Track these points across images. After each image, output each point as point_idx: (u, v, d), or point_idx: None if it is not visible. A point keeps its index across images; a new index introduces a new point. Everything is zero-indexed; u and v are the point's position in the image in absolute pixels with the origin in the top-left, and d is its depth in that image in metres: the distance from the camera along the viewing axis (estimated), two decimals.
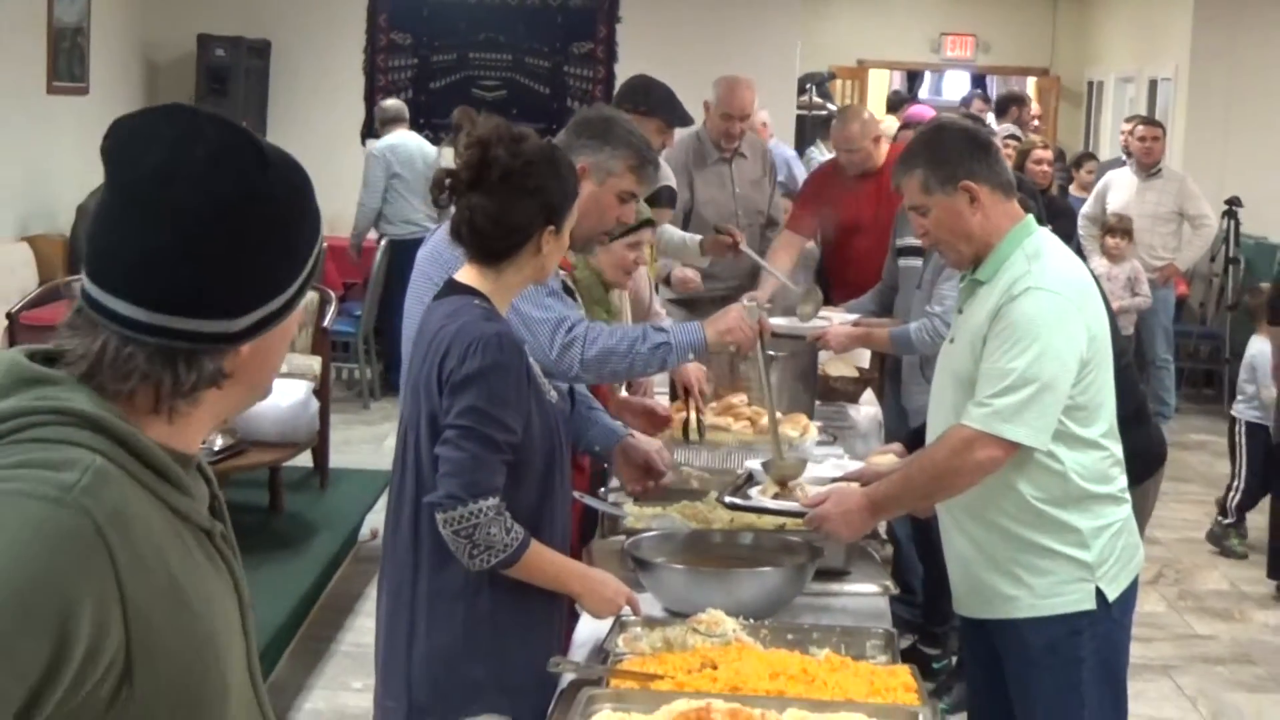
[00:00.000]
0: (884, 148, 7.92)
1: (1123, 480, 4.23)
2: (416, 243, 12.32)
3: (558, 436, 3.90)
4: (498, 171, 3.70)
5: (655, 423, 5.26)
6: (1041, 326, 3.95)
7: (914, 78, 24.11)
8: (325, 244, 6.47)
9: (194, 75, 14.61)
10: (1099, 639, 4.11)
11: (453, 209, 3.83)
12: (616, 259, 5.03)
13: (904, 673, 3.63)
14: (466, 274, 3.85)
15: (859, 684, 3.54)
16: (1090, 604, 4.07)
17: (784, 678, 3.55)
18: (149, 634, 1.89)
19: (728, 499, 4.54)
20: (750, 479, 4.72)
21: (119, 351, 1.93)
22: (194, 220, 1.94)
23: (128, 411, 1.96)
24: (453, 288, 3.85)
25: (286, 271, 2.04)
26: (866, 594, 4.47)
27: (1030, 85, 20.96)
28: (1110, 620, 4.13)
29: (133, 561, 1.87)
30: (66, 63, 13.23)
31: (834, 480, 4.67)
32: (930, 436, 4.35)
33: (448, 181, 3.79)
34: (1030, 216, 4.23)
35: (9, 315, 9.59)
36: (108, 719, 1.88)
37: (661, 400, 5.75)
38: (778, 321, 6.73)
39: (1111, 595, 4.09)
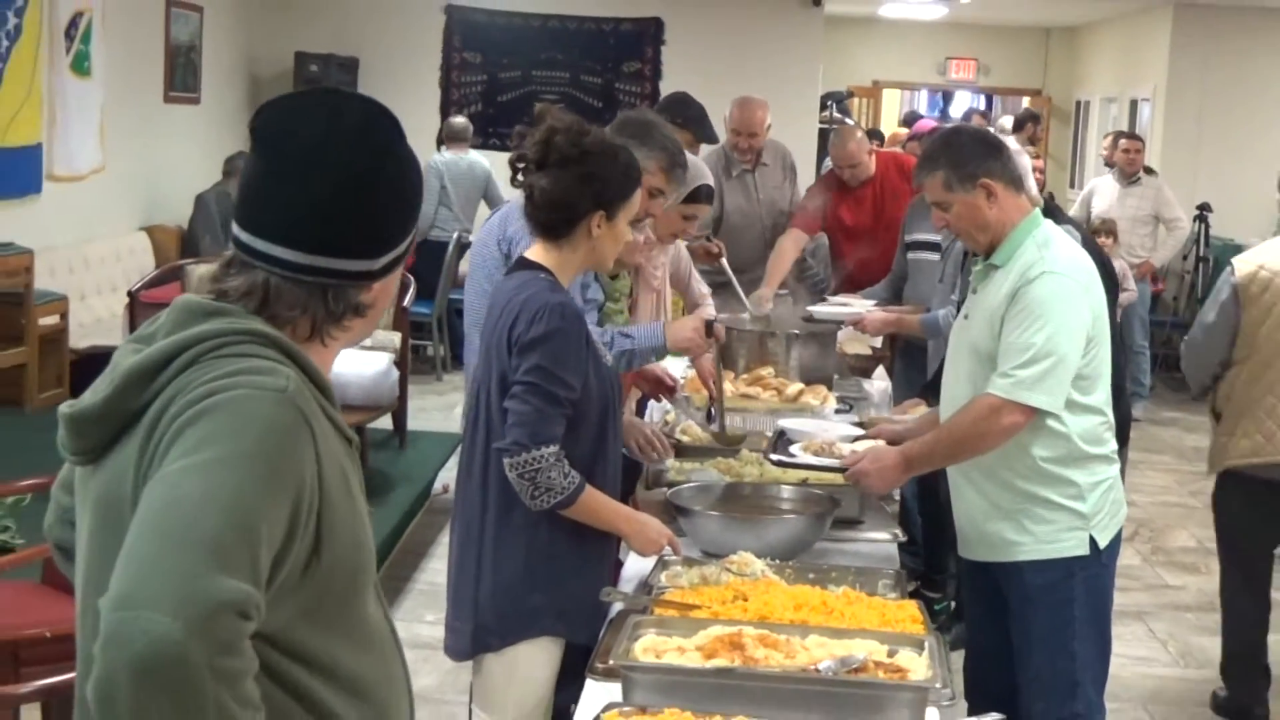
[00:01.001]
0: (873, 160, 8.00)
1: (1114, 443, 4.27)
2: (443, 245, 12.47)
3: (611, 395, 3.92)
4: (556, 156, 3.74)
5: (663, 389, 5.26)
6: (1055, 306, 3.98)
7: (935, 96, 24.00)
8: None
9: (291, 87, 14.49)
10: (1089, 581, 4.14)
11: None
12: (671, 221, 5.02)
13: (911, 607, 3.64)
14: (534, 251, 3.88)
15: (872, 615, 3.56)
16: (1084, 549, 4.10)
17: (806, 609, 3.56)
18: (331, 512, 2.01)
19: (774, 457, 4.53)
20: (783, 436, 4.72)
21: (278, 287, 2.06)
22: (346, 178, 2.07)
23: (294, 333, 2.10)
24: (521, 264, 3.88)
25: (409, 220, 2.19)
26: (878, 540, 4.49)
27: (1025, 104, 20.87)
28: (1099, 564, 4.16)
29: (322, 451, 2.00)
30: (181, 76, 13.29)
31: (858, 438, 4.71)
32: (944, 402, 4.37)
33: (520, 164, 3.82)
34: (1037, 210, 4.24)
35: (130, 293, 9.68)
36: (300, 588, 1.98)
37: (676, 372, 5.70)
38: (822, 309, 6.79)
39: (1102, 542, 4.13)
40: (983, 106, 20.93)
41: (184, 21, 13.30)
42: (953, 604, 6.65)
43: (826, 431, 4.84)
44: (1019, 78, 20.58)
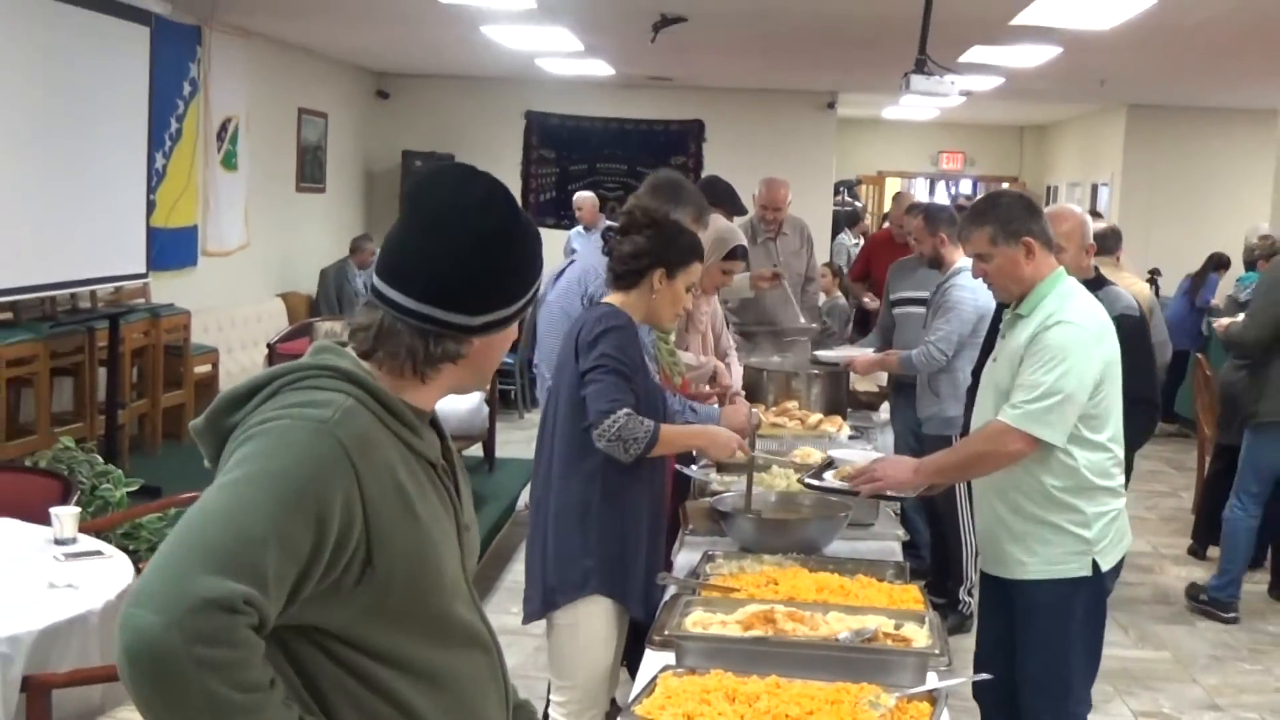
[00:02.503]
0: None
1: (1121, 477, 4.09)
2: None
3: (659, 407, 3.98)
4: (633, 225, 3.93)
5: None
6: (1068, 351, 3.84)
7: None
8: None
9: (399, 181, 14.71)
10: (1089, 600, 4.01)
11: None
12: (713, 275, 5.05)
13: (914, 590, 3.63)
14: (607, 299, 3.99)
15: (881, 596, 3.56)
16: (1087, 571, 3.95)
17: (826, 591, 3.57)
18: (382, 526, 1.94)
19: (808, 480, 4.45)
20: (830, 464, 4.65)
21: (391, 327, 2.04)
22: (462, 241, 2.03)
23: (391, 372, 2.06)
24: (595, 305, 4.02)
25: (517, 290, 2.11)
26: (885, 538, 4.48)
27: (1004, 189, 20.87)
28: (1100, 586, 4.03)
29: (370, 473, 1.93)
30: (310, 170, 13.43)
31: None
32: (976, 425, 4.23)
33: (609, 234, 4.02)
34: (1061, 268, 4.10)
35: (269, 346, 9.85)
36: (357, 592, 1.94)
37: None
38: (825, 354, 6.83)
39: (1104, 567, 3.98)
40: (969, 191, 20.88)
41: (312, 126, 13.46)
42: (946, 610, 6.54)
43: (858, 458, 4.83)
44: (999, 167, 20.56)
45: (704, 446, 4.09)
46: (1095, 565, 3.96)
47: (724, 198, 6.94)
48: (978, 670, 4.18)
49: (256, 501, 1.84)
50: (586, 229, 12.16)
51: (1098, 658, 4.22)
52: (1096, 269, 4.92)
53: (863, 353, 6.89)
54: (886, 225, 8.67)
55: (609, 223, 4.10)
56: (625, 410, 3.71)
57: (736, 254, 5.24)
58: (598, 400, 3.71)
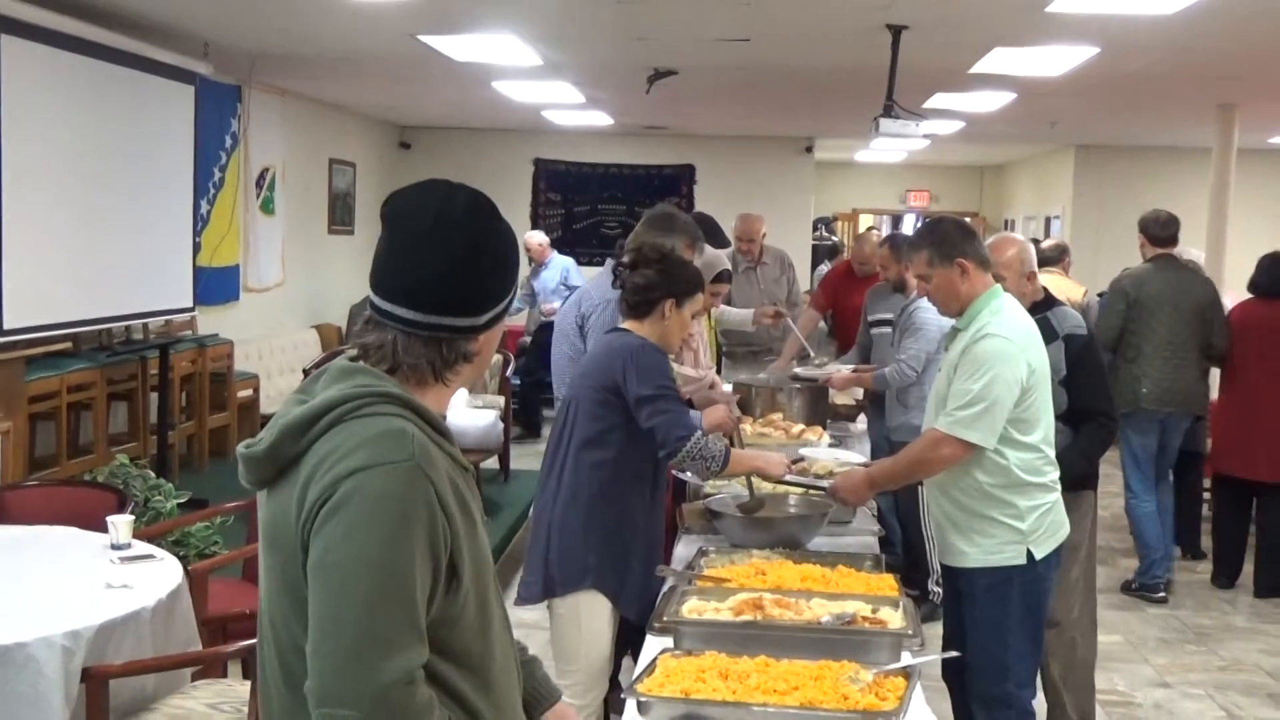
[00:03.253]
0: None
1: (1054, 474, 4.05)
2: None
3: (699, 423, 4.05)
4: (642, 261, 3.96)
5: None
6: (994, 361, 3.82)
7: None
8: None
9: None
10: (1025, 586, 3.95)
11: None
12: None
13: (888, 579, 3.62)
14: (626, 323, 4.01)
15: (859, 584, 3.56)
16: (1022, 560, 3.92)
17: (810, 580, 3.57)
18: (458, 539, 1.92)
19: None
20: (799, 460, 4.65)
21: (406, 343, 1.99)
22: (455, 252, 1.99)
23: (418, 384, 2.02)
24: (616, 331, 4.02)
25: (508, 283, 2.09)
26: (862, 534, 4.47)
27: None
28: (1035, 573, 3.96)
29: (442, 490, 1.90)
30: (340, 214, 13.44)
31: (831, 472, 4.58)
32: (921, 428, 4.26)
33: (618, 269, 4.03)
34: (998, 285, 4.08)
35: (305, 371, 9.76)
36: (445, 602, 1.91)
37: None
38: (803, 371, 6.83)
39: (1039, 555, 3.94)
40: None
41: (342, 174, 13.47)
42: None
43: (825, 458, 4.85)
44: (962, 203, 20.55)
45: (762, 469, 4.14)
46: (1030, 555, 3.93)
47: (708, 231, 6.98)
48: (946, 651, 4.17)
49: (397, 561, 1.81)
50: (537, 265, 12.21)
51: (1038, 644, 4.14)
52: (1046, 290, 4.88)
53: (838, 369, 6.89)
54: (846, 258, 8.77)
55: (617, 260, 4.09)
56: (699, 432, 3.80)
57: (722, 277, 5.38)
58: (674, 428, 3.77)
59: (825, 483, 4.34)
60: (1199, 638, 6.77)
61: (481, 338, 2.05)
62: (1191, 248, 9.63)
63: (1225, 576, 7.69)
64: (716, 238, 7.20)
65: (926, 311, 6.12)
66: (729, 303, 7.82)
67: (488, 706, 2.00)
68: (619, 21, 7.70)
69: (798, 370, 6.91)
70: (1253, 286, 7.71)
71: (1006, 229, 19.11)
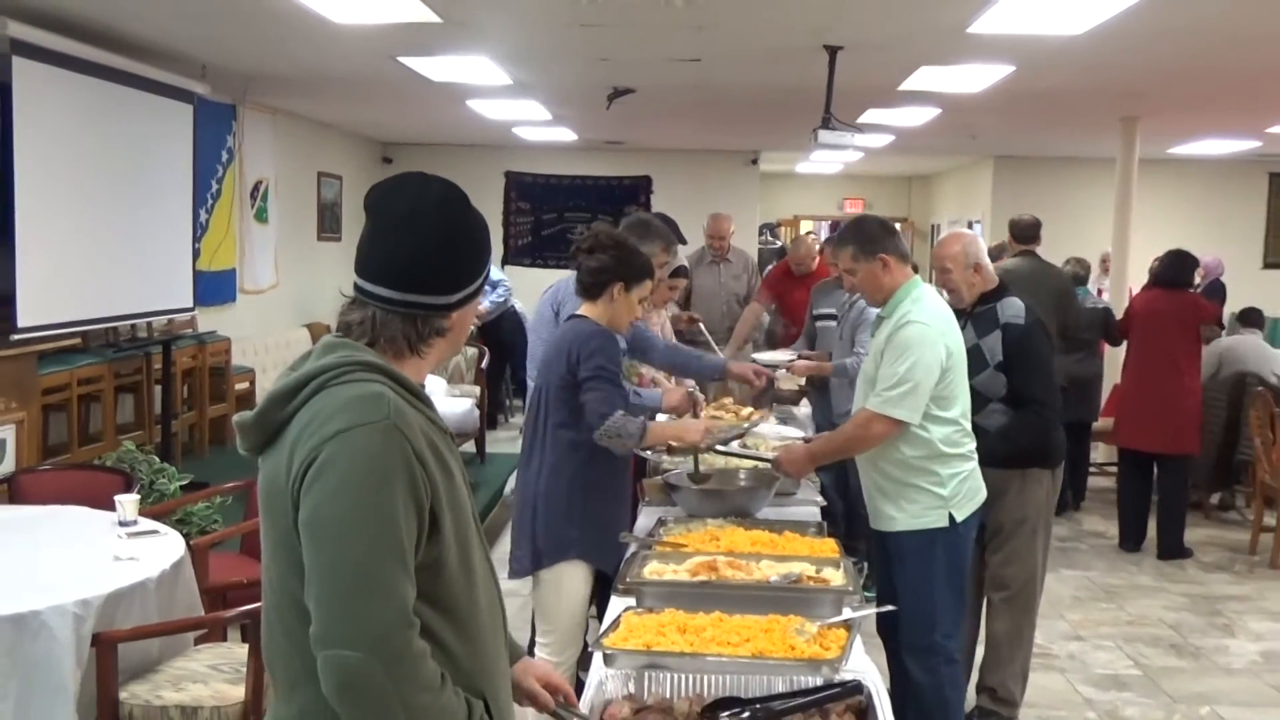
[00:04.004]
0: (816, 261, 8.17)
1: (971, 445, 4.05)
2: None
3: (626, 398, 3.97)
4: (598, 246, 3.89)
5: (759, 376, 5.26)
6: (915, 346, 3.83)
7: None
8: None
9: None
10: (948, 546, 3.97)
11: None
12: (661, 291, 5.04)
13: (830, 542, 3.62)
14: (581, 309, 3.95)
15: (804, 547, 3.55)
16: (944, 523, 3.93)
17: (759, 545, 3.57)
18: (437, 489, 1.90)
19: (719, 448, 4.43)
20: (740, 435, 4.62)
21: (384, 319, 1.98)
22: (430, 236, 1.98)
23: (395, 355, 2.00)
24: (573, 318, 3.96)
25: (478, 268, 2.07)
26: (806, 504, 4.47)
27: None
28: (957, 534, 3.98)
29: (419, 445, 1.89)
30: (328, 223, 13.30)
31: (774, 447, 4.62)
32: (852, 416, 4.18)
33: (577, 253, 3.95)
34: (917, 277, 4.09)
35: None
36: (427, 549, 1.90)
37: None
38: (763, 356, 6.81)
39: (959, 518, 3.95)
40: None
41: (329, 186, 13.35)
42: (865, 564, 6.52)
43: (770, 434, 4.85)
44: (892, 209, 20.55)
45: (679, 435, 4.06)
46: (951, 518, 3.95)
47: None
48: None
49: (380, 509, 1.81)
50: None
51: (961, 598, 4.16)
52: (1001, 281, 4.79)
53: (791, 357, 6.87)
54: (785, 259, 8.81)
55: (576, 245, 4.03)
56: (620, 412, 3.72)
57: (680, 273, 5.35)
58: (600, 405, 3.71)
59: (770, 454, 4.35)
60: (1109, 596, 6.82)
61: (454, 315, 2.04)
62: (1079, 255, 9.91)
63: (1131, 541, 7.77)
64: (672, 237, 7.19)
65: (872, 307, 6.10)
66: (692, 290, 7.87)
67: (467, 653, 1.97)
68: (582, 44, 7.67)
69: (756, 356, 6.90)
70: (1154, 279, 7.79)
71: (932, 233, 19.26)
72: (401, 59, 8.23)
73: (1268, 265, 15.46)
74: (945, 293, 5.07)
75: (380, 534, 1.80)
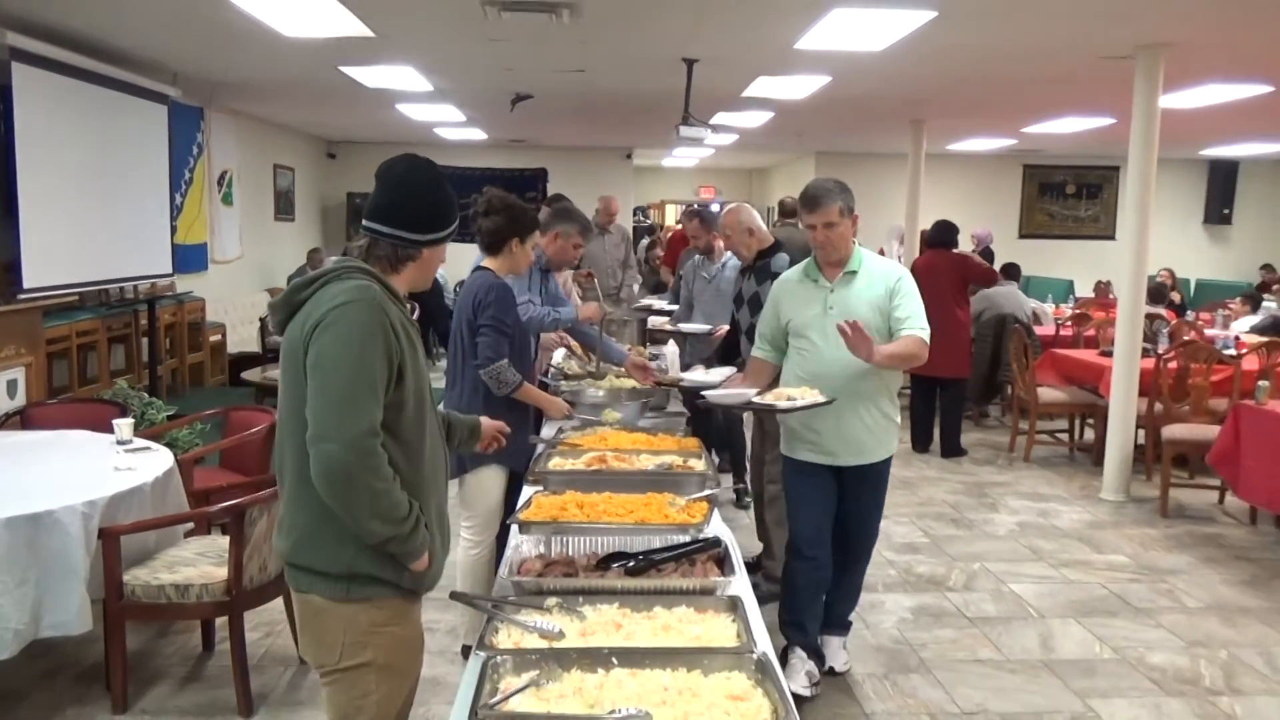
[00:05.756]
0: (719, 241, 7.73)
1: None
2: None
3: (527, 338, 3.92)
4: (492, 209, 3.76)
5: (647, 374, 4.61)
6: (914, 288, 3.55)
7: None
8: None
9: (345, 215, 14.33)
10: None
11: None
12: (570, 250, 4.75)
13: (694, 441, 3.64)
14: (485, 261, 3.85)
15: (673, 445, 3.58)
16: (896, 448, 3.70)
17: (639, 443, 3.59)
18: (404, 353, 2.12)
19: (684, 383, 4.12)
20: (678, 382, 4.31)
21: (377, 244, 2.23)
22: (412, 191, 2.23)
23: (381, 269, 2.23)
24: (477, 269, 3.85)
25: (445, 220, 2.29)
26: (675, 416, 4.46)
27: None
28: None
29: (393, 320, 2.12)
30: (283, 206, 12.93)
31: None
32: (830, 363, 3.56)
33: (475, 217, 3.78)
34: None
35: (260, 319, 9.44)
36: (393, 394, 2.10)
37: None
38: (688, 328, 6.00)
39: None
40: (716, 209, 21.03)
41: (284, 176, 12.94)
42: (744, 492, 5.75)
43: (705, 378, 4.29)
44: (737, 196, 20.70)
45: (545, 406, 3.87)
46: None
47: (567, 210, 6.91)
48: (810, 553, 3.74)
49: (363, 356, 2.02)
50: None
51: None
52: (775, 240, 4.58)
53: (721, 380, 6.30)
54: (680, 227, 8.76)
55: (474, 210, 3.85)
56: (504, 360, 3.62)
57: (585, 237, 5.18)
58: (486, 350, 3.61)
59: (705, 380, 4.02)
60: (905, 485, 7.03)
61: (425, 251, 2.25)
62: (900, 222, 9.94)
63: (921, 444, 8.00)
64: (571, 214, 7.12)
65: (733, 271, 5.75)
66: (584, 256, 7.78)
67: (410, 471, 2.16)
68: (490, 57, 7.54)
69: (681, 327, 6.14)
70: (927, 242, 7.97)
71: (767, 217, 19.43)
72: (342, 68, 8.01)
73: (1023, 235, 16.00)
74: (729, 252, 4.91)
75: (361, 370, 2.02)
